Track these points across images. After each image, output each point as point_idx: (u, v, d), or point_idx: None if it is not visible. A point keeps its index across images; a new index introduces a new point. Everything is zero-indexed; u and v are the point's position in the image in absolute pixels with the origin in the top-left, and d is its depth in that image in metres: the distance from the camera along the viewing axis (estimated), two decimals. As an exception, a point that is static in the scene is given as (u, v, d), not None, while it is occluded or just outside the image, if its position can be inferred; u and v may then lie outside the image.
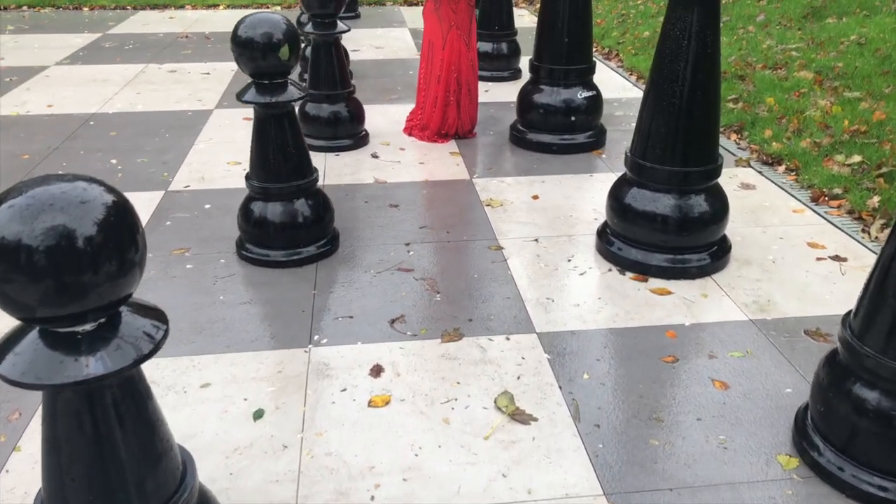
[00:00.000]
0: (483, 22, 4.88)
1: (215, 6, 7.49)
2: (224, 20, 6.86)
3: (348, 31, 3.60)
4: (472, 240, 2.74)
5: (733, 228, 2.78)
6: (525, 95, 3.72)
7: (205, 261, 2.57)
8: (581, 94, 3.58)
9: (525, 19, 7.01)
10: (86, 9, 7.31)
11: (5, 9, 7.24)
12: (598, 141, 3.68)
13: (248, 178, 2.53)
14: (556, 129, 3.62)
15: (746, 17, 5.71)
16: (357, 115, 3.70)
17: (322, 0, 3.43)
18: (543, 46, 3.58)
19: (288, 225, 2.52)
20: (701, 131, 2.39)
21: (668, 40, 2.34)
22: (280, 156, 2.46)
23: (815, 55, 4.64)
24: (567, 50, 3.52)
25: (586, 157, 3.58)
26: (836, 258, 2.60)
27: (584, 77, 3.60)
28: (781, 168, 3.37)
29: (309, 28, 3.49)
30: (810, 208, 2.99)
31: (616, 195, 2.58)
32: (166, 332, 1.15)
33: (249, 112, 4.10)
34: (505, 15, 4.85)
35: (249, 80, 2.40)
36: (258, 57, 2.33)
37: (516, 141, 3.75)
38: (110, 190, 1.04)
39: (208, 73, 5.06)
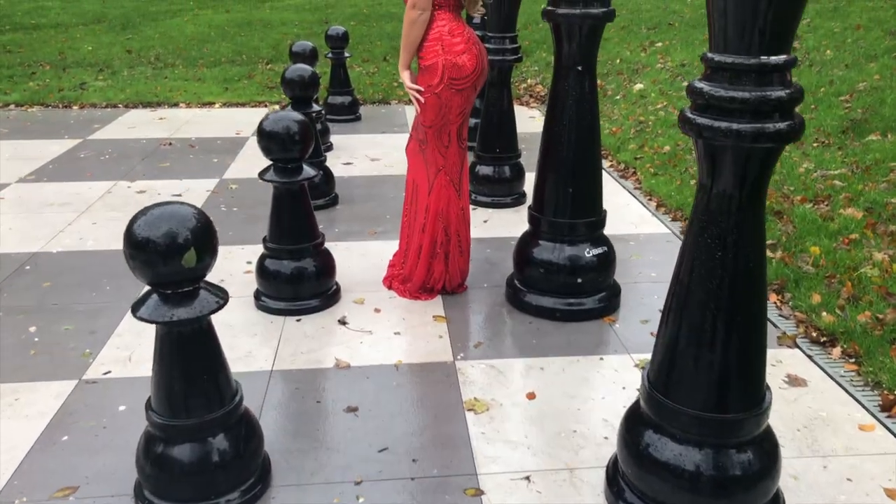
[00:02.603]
0: (483, 144, 4.39)
1: (210, 104, 7.14)
2: (216, 122, 6.47)
3: (316, 176, 3.08)
4: (445, 475, 2.12)
5: (784, 460, 2.14)
6: (523, 248, 3.16)
7: (91, 512, 1.98)
8: (589, 252, 3.01)
9: (537, 122, 6.55)
10: (76, 107, 6.99)
11: (-8, 108, 6.93)
12: (609, 305, 3.09)
13: (148, 408, 1.95)
14: (560, 290, 3.04)
15: (778, 131, 5.16)
16: (326, 270, 3.15)
17: (284, 143, 2.93)
18: (544, 196, 3.03)
19: (198, 469, 1.92)
20: (742, 369, 1.78)
21: (699, 249, 1.76)
22: (187, 385, 1.89)
23: (862, 186, 4.05)
24: (572, 201, 2.97)
25: (596, 327, 2.99)
26: (928, 521, 1.94)
27: (594, 231, 3.04)
28: (836, 352, 2.74)
29: (270, 175, 2.99)
30: (881, 423, 2.35)
31: (630, 430, 1.96)
32: None
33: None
34: (506, 136, 4.34)
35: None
36: (157, 262, 1.78)
37: (513, 301, 3.17)
38: None
39: (180, 195, 4.58)
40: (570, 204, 2.98)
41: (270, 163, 3.01)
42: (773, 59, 1.57)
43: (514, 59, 4.21)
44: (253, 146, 5.72)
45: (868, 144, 4.70)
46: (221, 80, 7.83)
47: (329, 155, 5.46)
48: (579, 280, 3.01)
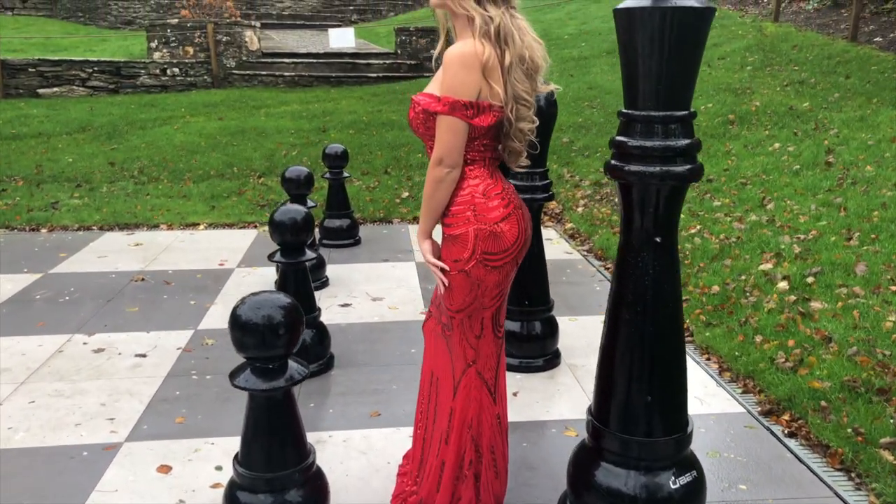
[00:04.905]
0: (509, 295, 3.66)
1: (194, 225, 6.48)
2: (198, 248, 5.78)
3: (302, 380, 2.32)
4: None
5: None
6: (581, 467, 2.36)
7: None
8: (675, 482, 2.23)
9: (554, 244, 5.88)
10: (44, 230, 6.31)
11: (-50, 231, 6.25)
12: (703, 552, 2.28)
13: None
14: (636, 534, 2.24)
15: (842, 269, 4.48)
16: (315, 501, 2.35)
17: (264, 338, 2.20)
18: (610, 403, 2.27)
19: None
20: None
21: None
22: None
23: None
24: (651, 412, 2.21)
25: (689, 590, 2.17)
26: None
27: (680, 451, 2.27)
28: None
29: (245, 379, 2.23)
30: None
31: None
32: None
33: (175, 451, 2.79)
34: (537, 286, 3.64)
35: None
36: None
37: (570, 542, 2.36)
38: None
39: (144, 356, 3.82)
40: (648, 416, 2.22)
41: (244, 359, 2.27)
42: None
43: (544, 197, 3.55)
44: (237, 282, 5.01)
45: (958, 289, 4.01)
46: (208, 197, 7.21)
47: (324, 293, 4.76)
48: (663, 522, 2.21)
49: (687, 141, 2.10)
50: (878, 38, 10.87)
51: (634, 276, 2.18)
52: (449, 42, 2.19)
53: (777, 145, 7.39)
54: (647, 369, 2.20)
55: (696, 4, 1.99)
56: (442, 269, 2.23)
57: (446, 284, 2.23)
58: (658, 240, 2.17)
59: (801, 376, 3.33)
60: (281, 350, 2.23)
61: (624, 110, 2.15)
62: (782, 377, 3.36)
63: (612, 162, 2.18)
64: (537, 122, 2.25)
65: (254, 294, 2.27)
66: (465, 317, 2.26)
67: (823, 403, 3.09)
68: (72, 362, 3.74)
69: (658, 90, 2.06)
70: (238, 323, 2.21)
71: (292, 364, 2.29)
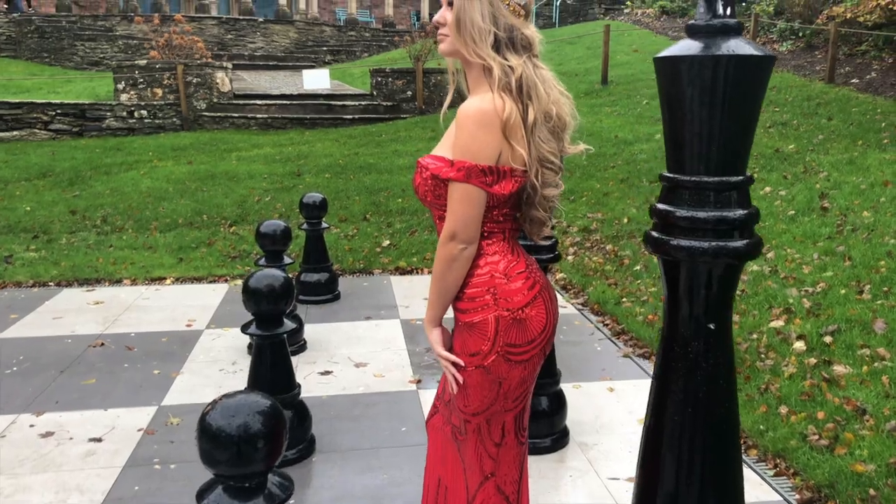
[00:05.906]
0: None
1: (160, 280, 6.03)
2: (164, 307, 5.34)
3: (286, 500, 1.92)
4: None
5: None
6: None
7: None
8: None
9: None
10: (-5, 288, 5.82)
11: None
12: None
13: None
14: None
15: (859, 326, 4.20)
16: None
17: (239, 451, 1.80)
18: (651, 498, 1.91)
19: None
20: None
21: None
22: None
23: None
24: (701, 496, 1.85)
25: None
26: None
27: (739, 578, 1.91)
28: None
29: (213, 502, 1.83)
30: None
31: None
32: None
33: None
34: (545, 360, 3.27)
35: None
36: None
37: None
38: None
39: (100, 440, 3.36)
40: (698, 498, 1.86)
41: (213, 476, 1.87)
42: None
43: (549, 258, 3.22)
44: (206, 346, 4.57)
45: None
46: (176, 249, 6.77)
47: (301, 359, 4.35)
48: None
49: (744, 211, 1.78)
50: (854, 80, 10.90)
51: (685, 372, 1.84)
52: (459, 93, 1.86)
53: (768, 189, 7.20)
54: (699, 480, 1.85)
55: (755, 52, 1.69)
56: (455, 364, 1.86)
57: (460, 382, 1.86)
58: (712, 326, 1.83)
59: (840, 456, 3.00)
60: (260, 466, 1.82)
61: (668, 174, 1.83)
62: (818, 458, 3.03)
63: (654, 234, 1.85)
64: (563, 188, 1.92)
65: (226, 396, 1.88)
66: (483, 421, 1.89)
67: (872, 492, 2.76)
68: (15, 451, 3.27)
69: (710, 152, 1.75)
70: (207, 433, 1.80)
71: (273, 480, 1.89)
